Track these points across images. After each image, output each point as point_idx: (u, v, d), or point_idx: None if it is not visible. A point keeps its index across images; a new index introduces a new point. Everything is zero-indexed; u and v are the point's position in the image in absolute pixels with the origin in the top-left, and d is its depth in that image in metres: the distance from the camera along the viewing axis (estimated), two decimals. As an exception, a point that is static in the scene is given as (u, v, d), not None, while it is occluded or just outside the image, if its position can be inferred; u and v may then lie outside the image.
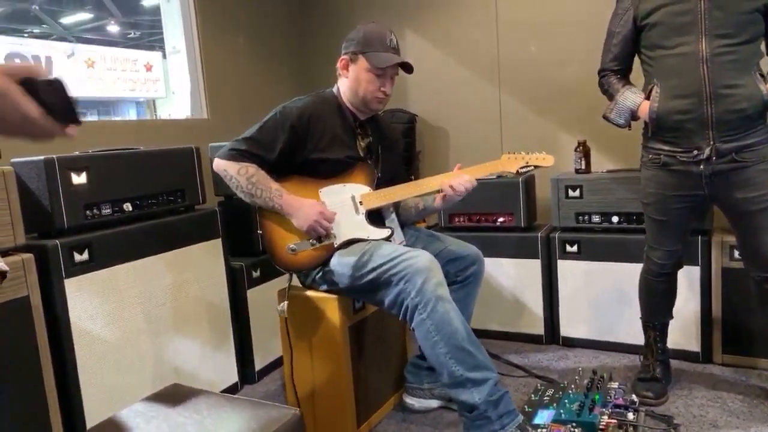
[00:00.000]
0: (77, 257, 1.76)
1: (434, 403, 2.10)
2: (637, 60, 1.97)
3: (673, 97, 1.79)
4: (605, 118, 1.99)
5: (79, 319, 1.76)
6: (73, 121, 0.83)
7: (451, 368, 1.63)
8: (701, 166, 1.79)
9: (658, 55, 1.84)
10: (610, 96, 1.98)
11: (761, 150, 1.77)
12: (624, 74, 2.00)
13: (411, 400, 2.10)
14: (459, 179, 1.87)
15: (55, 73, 0.83)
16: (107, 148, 1.98)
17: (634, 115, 1.91)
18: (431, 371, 1.98)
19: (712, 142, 1.76)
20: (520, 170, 1.94)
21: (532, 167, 1.94)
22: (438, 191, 1.94)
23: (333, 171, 1.88)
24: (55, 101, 0.79)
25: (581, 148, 2.55)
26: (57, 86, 0.80)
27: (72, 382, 1.74)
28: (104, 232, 1.86)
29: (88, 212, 1.85)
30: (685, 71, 1.76)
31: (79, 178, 1.82)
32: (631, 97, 1.91)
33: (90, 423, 1.75)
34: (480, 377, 1.63)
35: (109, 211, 1.91)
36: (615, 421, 1.70)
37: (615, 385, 1.95)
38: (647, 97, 1.87)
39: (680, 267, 2.05)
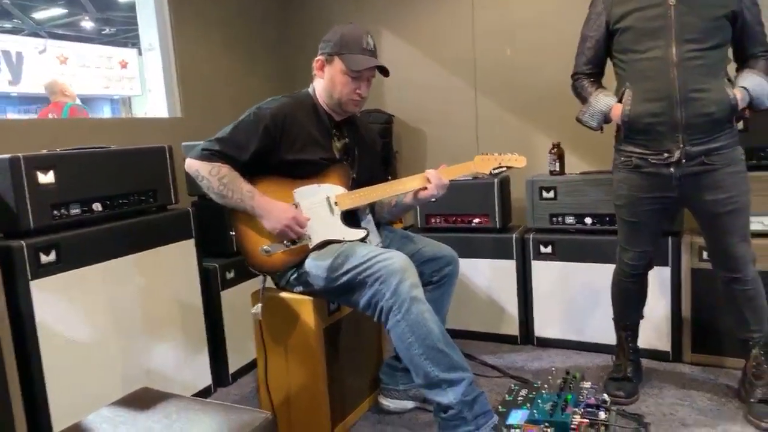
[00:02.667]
0: (44, 258, 1.72)
1: (409, 404, 2.09)
2: (609, 63, 2.00)
3: (645, 100, 1.82)
4: (578, 120, 2.01)
5: (46, 321, 1.71)
6: None
7: (426, 369, 1.63)
8: (672, 169, 1.83)
9: (630, 59, 1.86)
10: (583, 99, 2.01)
11: (729, 153, 1.81)
12: (597, 77, 2.02)
13: (386, 402, 2.09)
14: (433, 174, 1.88)
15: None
16: (76, 146, 1.94)
17: (606, 118, 1.94)
18: (407, 372, 1.97)
19: (682, 145, 1.79)
20: (493, 171, 1.95)
21: (505, 168, 1.96)
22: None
23: (308, 172, 1.87)
24: None
25: (555, 150, 2.58)
26: None
27: (38, 386, 1.69)
28: (73, 232, 1.82)
29: (55, 212, 1.80)
30: (656, 75, 1.79)
31: (46, 177, 1.78)
32: (604, 100, 1.93)
33: (57, 429, 1.71)
34: (455, 377, 1.63)
35: (77, 211, 1.87)
36: (587, 420, 1.72)
37: (587, 384, 1.97)
38: (619, 101, 1.89)
39: (651, 268, 2.09)
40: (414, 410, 2.08)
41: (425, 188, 1.89)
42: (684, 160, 1.80)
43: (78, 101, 4.32)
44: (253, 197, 1.76)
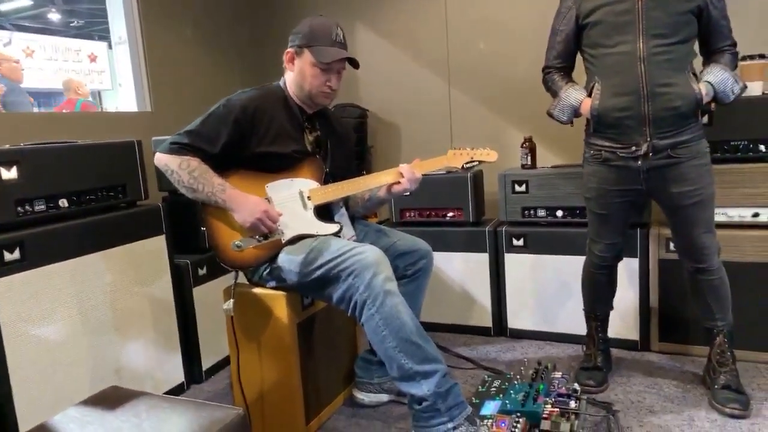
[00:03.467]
0: (7, 256, 1.67)
1: (384, 397, 2.10)
2: (579, 58, 2.03)
3: (613, 94, 1.84)
4: (549, 114, 2.03)
5: (10, 321, 1.67)
6: None
7: (400, 361, 1.64)
8: (639, 162, 1.86)
9: (599, 53, 1.89)
10: (554, 93, 2.03)
11: (694, 146, 1.85)
12: (567, 72, 2.04)
13: (361, 395, 2.10)
14: (407, 168, 1.89)
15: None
16: (41, 141, 1.89)
17: (576, 112, 1.96)
18: (381, 365, 1.98)
19: (649, 139, 1.82)
20: (465, 165, 1.97)
21: (477, 162, 1.98)
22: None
23: (280, 165, 1.85)
24: None
25: (527, 144, 2.60)
26: None
27: (3, 387, 1.65)
28: (38, 229, 1.78)
29: (19, 209, 1.76)
30: (624, 70, 1.82)
31: (9, 173, 1.73)
32: (573, 94, 1.96)
33: (23, 429, 1.67)
34: (429, 369, 1.64)
35: (42, 207, 1.83)
36: (557, 409, 1.75)
37: (558, 374, 2.00)
38: (589, 95, 1.92)
39: (620, 259, 2.12)
40: (389, 403, 2.09)
41: (399, 182, 1.89)
42: (651, 153, 1.83)
43: (90, 98, 4.83)
44: (225, 190, 1.74)
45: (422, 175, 1.92)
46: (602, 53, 1.88)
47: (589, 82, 1.95)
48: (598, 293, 2.17)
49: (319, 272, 1.71)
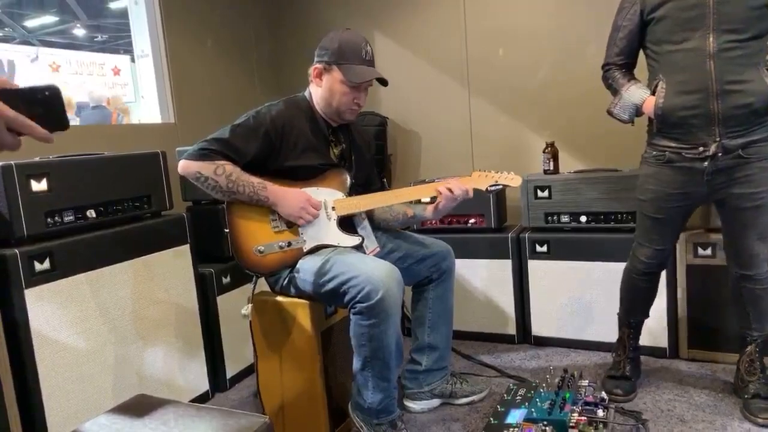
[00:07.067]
0: (38, 266, 1.71)
1: (436, 402, 2.11)
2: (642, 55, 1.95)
3: (679, 92, 1.77)
4: (609, 113, 1.97)
5: (41, 329, 1.70)
6: (60, 127, 0.86)
7: (364, 366, 1.74)
8: (705, 163, 1.77)
9: (664, 50, 1.81)
10: (614, 91, 1.96)
11: (765, 146, 1.75)
12: (629, 69, 1.97)
13: (412, 404, 2.10)
14: (457, 184, 1.87)
15: (46, 81, 0.89)
16: (69, 153, 1.93)
17: (638, 111, 1.89)
18: (428, 372, 2.06)
19: (718, 139, 1.74)
20: (489, 188, 1.94)
21: (501, 186, 1.95)
22: (417, 202, 1.97)
23: (307, 175, 1.86)
24: (40, 109, 0.83)
25: (549, 149, 2.58)
26: (50, 93, 0.84)
27: (34, 394, 1.68)
28: (66, 240, 1.81)
29: (49, 220, 1.79)
30: (691, 67, 1.74)
31: (40, 185, 1.77)
32: (636, 92, 1.89)
33: (53, 437, 1.70)
34: (383, 386, 1.74)
35: (71, 218, 1.86)
36: (585, 418, 1.72)
37: (585, 382, 1.97)
38: (652, 93, 1.84)
39: (664, 267, 2.05)
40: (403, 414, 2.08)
41: (450, 192, 1.87)
42: (721, 154, 1.75)
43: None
44: (266, 188, 1.76)
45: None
46: (667, 50, 1.80)
47: (652, 80, 1.87)
48: (636, 300, 2.10)
49: (330, 285, 1.71)
